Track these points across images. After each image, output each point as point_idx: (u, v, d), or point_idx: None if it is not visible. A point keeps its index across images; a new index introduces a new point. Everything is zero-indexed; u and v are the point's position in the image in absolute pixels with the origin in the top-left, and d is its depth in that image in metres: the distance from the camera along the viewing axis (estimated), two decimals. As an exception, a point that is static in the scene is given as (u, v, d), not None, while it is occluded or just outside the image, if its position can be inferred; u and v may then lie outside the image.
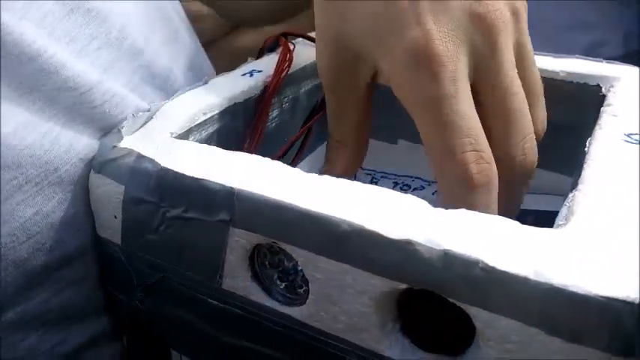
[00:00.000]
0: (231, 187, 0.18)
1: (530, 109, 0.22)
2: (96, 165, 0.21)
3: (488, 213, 0.16)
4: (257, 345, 0.20)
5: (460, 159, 0.19)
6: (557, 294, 0.13)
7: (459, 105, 0.19)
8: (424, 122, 0.20)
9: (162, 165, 0.19)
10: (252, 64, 0.29)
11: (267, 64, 0.28)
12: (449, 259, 0.14)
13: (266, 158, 0.19)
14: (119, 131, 0.22)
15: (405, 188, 0.32)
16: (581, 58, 0.29)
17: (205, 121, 0.24)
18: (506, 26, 0.21)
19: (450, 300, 0.15)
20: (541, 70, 0.28)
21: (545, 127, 0.24)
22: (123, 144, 0.21)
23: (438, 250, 0.14)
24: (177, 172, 0.19)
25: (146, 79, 0.25)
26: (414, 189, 0.33)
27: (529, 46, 0.23)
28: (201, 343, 0.22)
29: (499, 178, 0.20)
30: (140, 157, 0.20)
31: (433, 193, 0.33)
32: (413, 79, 0.20)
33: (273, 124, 0.27)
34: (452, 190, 0.19)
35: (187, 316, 0.21)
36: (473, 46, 0.20)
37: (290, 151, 0.26)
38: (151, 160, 0.20)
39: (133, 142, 0.21)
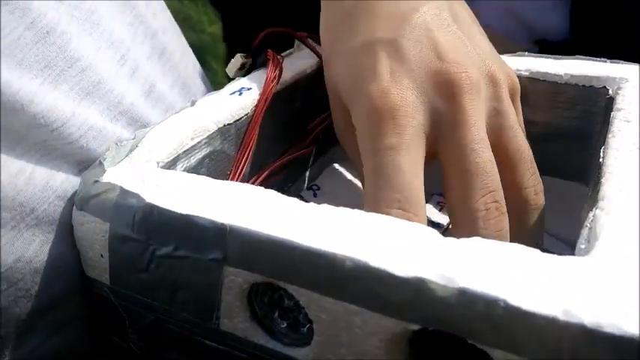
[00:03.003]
0: (223, 224, 0.16)
1: (513, 177, 0.21)
2: (78, 202, 0.20)
3: None
4: (260, 388, 0.18)
5: (383, 213, 0.18)
6: (590, 335, 0.12)
7: (398, 158, 0.19)
8: (365, 171, 0.20)
9: (147, 200, 0.18)
10: (241, 82, 0.27)
11: (259, 79, 0.27)
12: (466, 297, 0.13)
13: (259, 188, 0.18)
14: (101, 164, 0.20)
15: None
16: (584, 59, 0.28)
17: (194, 146, 0.22)
18: (473, 88, 0.20)
19: (470, 341, 0.13)
20: (543, 74, 0.27)
21: (541, 198, 0.22)
22: (106, 177, 0.20)
23: (453, 288, 0.13)
24: (163, 209, 0.17)
25: (129, 101, 0.24)
26: None
27: (510, 114, 0.22)
28: None
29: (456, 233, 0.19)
30: (124, 192, 0.19)
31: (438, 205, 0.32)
32: (364, 131, 0.20)
33: (266, 144, 0.26)
34: None
35: (185, 359, 0.20)
36: (431, 104, 0.20)
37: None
38: (136, 195, 0.18)
39: (116, 174, 0.20)
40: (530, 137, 0.29)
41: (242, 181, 0.24)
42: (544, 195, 0.23)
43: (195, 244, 0.17)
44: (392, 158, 0.19)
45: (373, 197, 0.19)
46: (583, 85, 0.26)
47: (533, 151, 0.29)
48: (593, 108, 0.27)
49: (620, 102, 0.23)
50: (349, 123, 0.22)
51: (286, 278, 0.16)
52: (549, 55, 0.29)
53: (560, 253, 0.14)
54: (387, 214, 0.17)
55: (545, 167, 0.30)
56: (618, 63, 0.27)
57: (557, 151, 0.29)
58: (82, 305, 0.22)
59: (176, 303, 0.18)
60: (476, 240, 0.15)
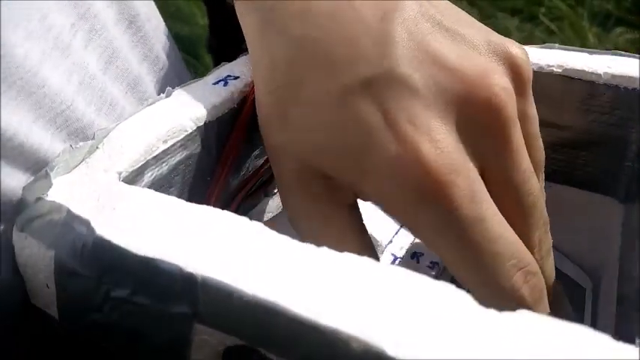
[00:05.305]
0: (192, 273, 0.13)
1: None
2: (18, 221, 0.16)
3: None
4: None
5: (510, 286, 0.15)
6: None
7: (491, 226, 0.15)
8: (453, 256, 0.16)
9: (97, 233, 0.14)
10: (226, 68, 0.23)
11: (248, 65, 0.22)
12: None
13: (244, 219, 0.14)
14: (47, 175, 0.16)
15: None
16: (622, 55, 0.24)
17: (166, 150, 0.18)
18: (512, 104, 0.16)
19: None
20: (578, 72, 0.23)
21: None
22: (52, 193, 0.16)
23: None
24: (118, 246, 0.14)
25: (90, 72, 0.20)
26: None
27: (533, 112, 0.18)
28: None
29: None
30: (71, 216, 0.15)
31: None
32: (418, 210, 0.15)
33: (251, 148, 0.22)
34: None
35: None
36: (475, 142, 0.16)
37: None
38: (86, 223, 0.14)
39: (65, 188, 0.16)
40: (555, 143, 0.25)
41: (224, 195, 0.20)
42: (561, 205, 0.21)
43: (158, 292, 0.13)
44: (487, 230, 0.15)
45: (488, 277, 0.15)
46: (625, 87, 0.23)
47: (555, 157, 0.26)
48: (631, 114, 0.23)
49: None
50: (340, 206, 0.17)
51: (271, 348, 0.12)
52: (584, 49, 0.25)
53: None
54: (512, 285, 0.15)
55: (566, 177, 0.26)
56: None
57: (585, 160, 0.26)
58: (30, 337, 0.18)
59: (137, 354, 0.15)
60: (522, 314, 0.11)
